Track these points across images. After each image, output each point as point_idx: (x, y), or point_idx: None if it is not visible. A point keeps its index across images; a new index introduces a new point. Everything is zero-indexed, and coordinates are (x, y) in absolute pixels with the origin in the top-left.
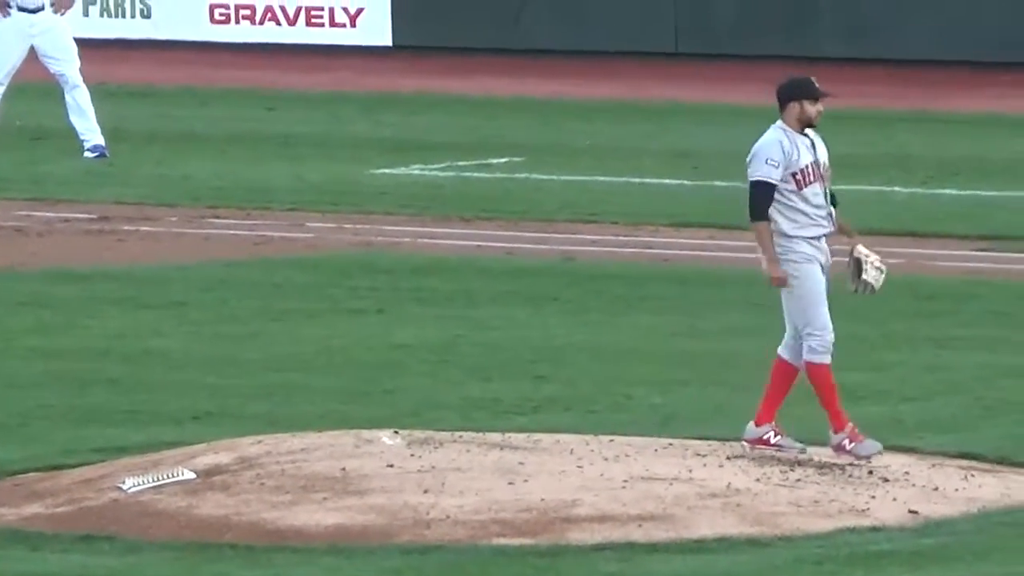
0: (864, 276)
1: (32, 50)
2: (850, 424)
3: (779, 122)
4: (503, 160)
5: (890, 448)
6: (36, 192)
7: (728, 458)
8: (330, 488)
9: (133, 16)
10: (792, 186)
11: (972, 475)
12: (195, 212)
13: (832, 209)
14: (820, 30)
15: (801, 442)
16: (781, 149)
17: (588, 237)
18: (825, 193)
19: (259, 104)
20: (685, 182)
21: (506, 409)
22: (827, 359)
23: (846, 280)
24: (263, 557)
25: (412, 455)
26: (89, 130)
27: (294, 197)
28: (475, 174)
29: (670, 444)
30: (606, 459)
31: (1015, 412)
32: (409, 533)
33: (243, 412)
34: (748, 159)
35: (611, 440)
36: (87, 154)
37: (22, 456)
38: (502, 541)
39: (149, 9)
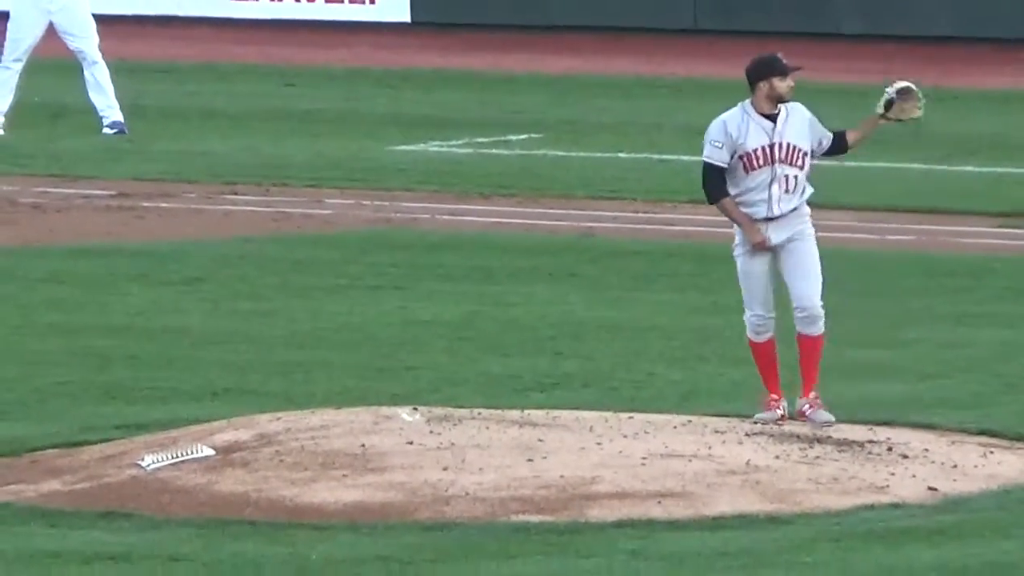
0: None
1: (51, 26)
2: (774, 396)
3: (745, 102)
4: (522, 137)
5: (909, 425)
6: (55, 168)
7: (747, 435)
8: (349, 465)
9: None
10: (740, 167)
11: (991, 452)
12: (214, 188)
13: (783, 196)
14: (838, 6)
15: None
16: (725, 130)
17: (607, 213)
18: (775, 179)
19: (278, 80)
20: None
21: (525, 386)
22: (752, 336)
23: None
24: (283, 534)
25: (431, 432)
26: (108, 107)
27: (313, 173)
28: (494, 151)
29: (689, 421)
30: (625, 436)
31: None
32: (428, 510)
33: (262, 389)
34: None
35: (630, 417)
36: (106, 130)
37: (41, 433)
38: (521, 518)
39: None
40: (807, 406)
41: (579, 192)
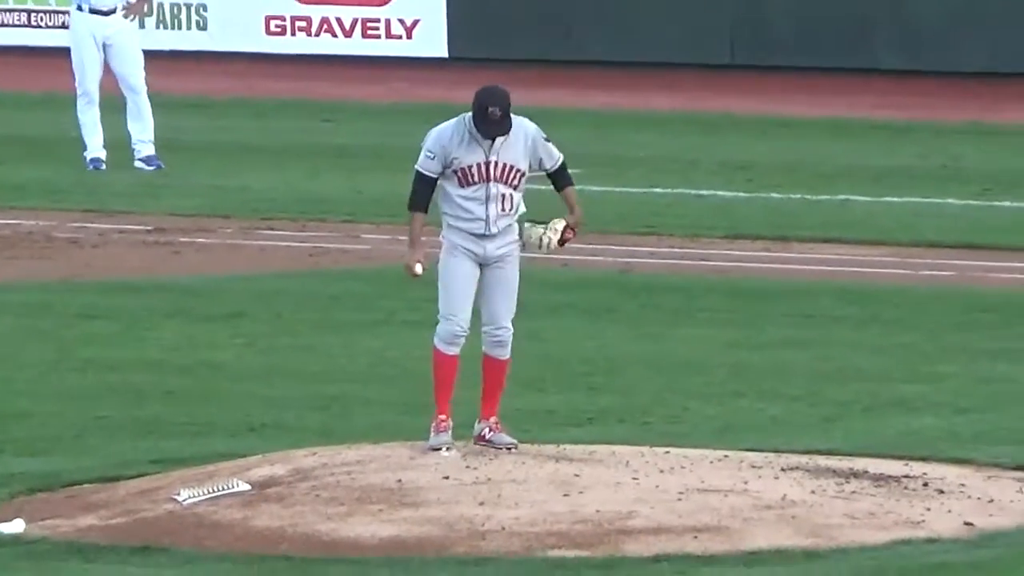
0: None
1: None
2: (443, 415)
3: (467, 115)
4: None
5: (946, 460)
6: (91, 203)
7: (783, 470)
8: (385, 500)
9: (189, 27)
10: (455, 180)
11: None
12: (250, 223)
13: (500, 214)
14: (876, 42)
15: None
16: (440, 142)
17: (644, 249)
18: (491, 198)
19: (315, 115)
20: (740, 194)
21: (561, 421)
22: (444, 347)
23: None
24: (318, 569)
25: (467, 467)
26: (141, 141)
27: (350, 208)
28: (530, 185)
29: (725, 456)
30: (661, 471)
31: None
32: (464, 545)
33: (298, 424)
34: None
35: (666, 452)
36: (138, 164)
37: (77, 467)
38: (557, 553)
39: (205, 21)
40: (487, 430)
41: (616, 227)
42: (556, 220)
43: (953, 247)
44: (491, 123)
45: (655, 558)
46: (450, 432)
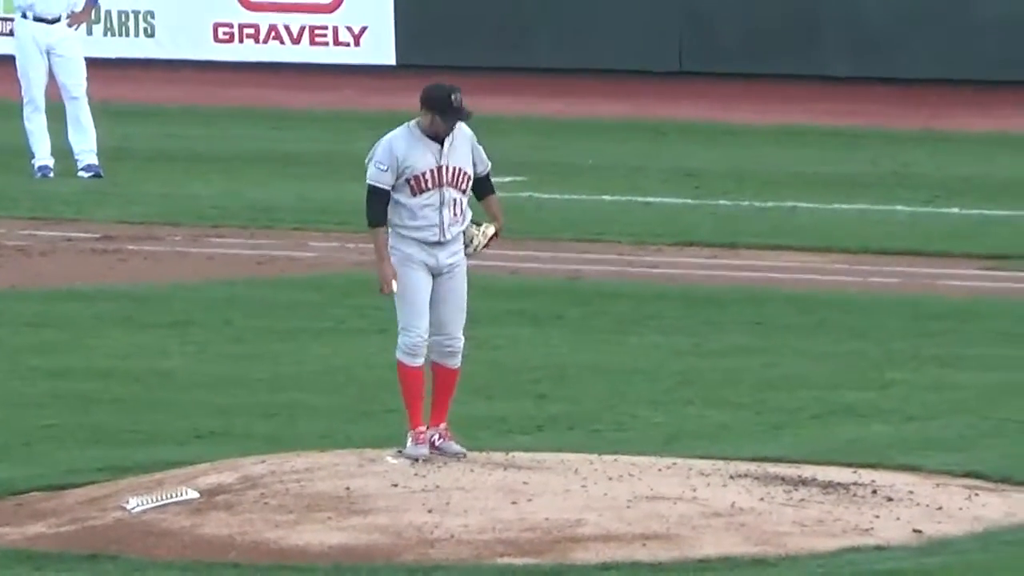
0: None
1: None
2: (422, 427)
3: (412, 122)
4: (507, 179)
5: (894, 467)
6: (39, 211)
7: (732, 477)
8: (334, 508)
9: (137, 35)
10: (407, 190)
11: (976, 494)
12: (199, 231)
13: (452, 220)
14: (825, 48)
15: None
16: (391, 151)
17: (592, 256)
18: (444, 203)
19: (263, 123)
20: (688, 201)
21: (510, 428)
22: (407, 360)
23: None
24: None
25: (416, 474)
26: (84, 151)
27: (298, 216)
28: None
29: (674, 463)
30: (610, 478)
31: (1019, 431)
32: (413, 553)
33: (247, 431)
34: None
35: (615, 459)
36: (81, 174)
37: (26, 475)
38: (506, 560)
39: (153, 28)
40: (437, 437)
41: (564, 235)
42: (487, 225)
43: (902, 254)
44: (457, 110)
45: (604, 566)
46: (428, 445)
